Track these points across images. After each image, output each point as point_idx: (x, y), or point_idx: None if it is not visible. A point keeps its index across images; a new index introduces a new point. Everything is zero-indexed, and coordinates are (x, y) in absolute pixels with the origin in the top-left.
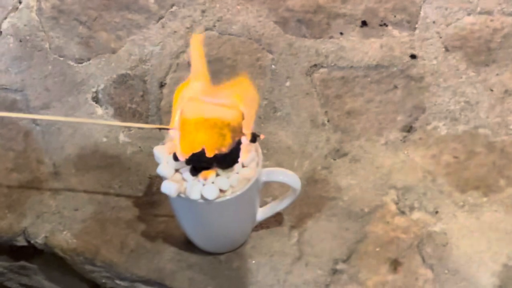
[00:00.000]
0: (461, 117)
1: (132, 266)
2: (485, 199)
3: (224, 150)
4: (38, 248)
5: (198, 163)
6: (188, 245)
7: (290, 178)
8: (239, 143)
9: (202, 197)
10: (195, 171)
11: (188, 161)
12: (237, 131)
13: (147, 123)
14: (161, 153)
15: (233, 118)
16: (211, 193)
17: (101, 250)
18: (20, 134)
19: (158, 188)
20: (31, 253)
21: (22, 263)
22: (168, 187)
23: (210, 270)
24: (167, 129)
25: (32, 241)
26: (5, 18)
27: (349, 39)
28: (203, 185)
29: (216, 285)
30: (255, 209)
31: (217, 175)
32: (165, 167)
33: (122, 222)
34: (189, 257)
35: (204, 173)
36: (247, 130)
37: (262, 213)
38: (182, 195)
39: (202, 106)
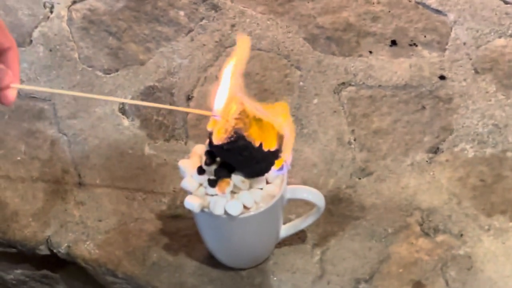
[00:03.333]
0: (489, 140)
1: (153, 279)
2: (511, 223)
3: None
4: (61, 257)
5: (233, 151)
6: (210, 260)
7: (315, 196)
8: (274, 159)
9: (226, 212)
10: (213, 182)
11: (222, 147)
12: (279, 148)
13: (173, 136)
14: (186, 167)
15: (280, 133)
16: (235, 209)
17: (123, 261)
18: (47, 143)
19: (182, 202)
20: (53, 262)
21: (45, 272)
22: (191, 203)
23: (231, 286)
24: (209, 115)
25: (55, 250)
26: (36, 27)
27: (378, 58)
28: (227, 200)
29: None
30: (278, 225)
31: (234, 190)
32: (190, 181)
33: (145, 234)
34: (211, 272)
35: (220, 184)
36: (284, 155)
37: (285, 230)
38: (206, 210)
39: (256, 106)
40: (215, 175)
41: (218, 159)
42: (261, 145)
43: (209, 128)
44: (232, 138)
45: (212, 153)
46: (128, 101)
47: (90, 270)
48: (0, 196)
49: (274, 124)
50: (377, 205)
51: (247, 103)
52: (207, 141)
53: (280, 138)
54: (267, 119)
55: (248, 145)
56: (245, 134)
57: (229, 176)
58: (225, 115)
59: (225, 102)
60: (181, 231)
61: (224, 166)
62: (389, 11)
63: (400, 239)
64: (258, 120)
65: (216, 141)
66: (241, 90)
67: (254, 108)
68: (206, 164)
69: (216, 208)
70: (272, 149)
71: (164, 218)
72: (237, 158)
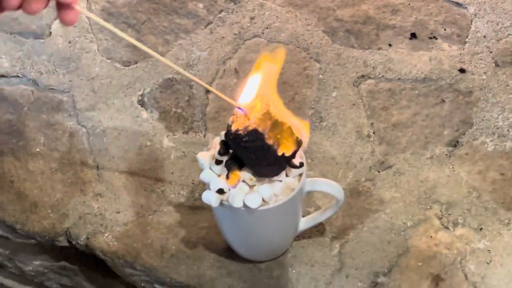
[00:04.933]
0: (509, 134)
1: (171, 271)
2: None
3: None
4: (79, 249)
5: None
6: (228, 252)
7: (334, 188)
8: (285, 164)
9: (245, 205)
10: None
11: (241, 136)
12: (293, 154)
13: (191, 128)
14: (205, 159)
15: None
16: (254, 201)
17: (141, 254)
18: (65, 135)
19: (201, 194)
20: (72, 253)
21: (63, 263)
22: (209, 197)
23: (250, 278)
24: (236, 105)
25: (73, 242)
26: (55, 19)
27: (398, 51)
28: (246, 193)
29: None
30: (297, 218)
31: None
32: (208, 173)
33: (164, 226)
34: (229, 264)
35: (231, 176)
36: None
37: (304, 223)
38: (225, 203)
39: (281, 110)
40: (225, 166)
41: (231, 151)
42: (276, 148)
43: (230, 120)
44: (250, 137)
45: (227, 144)
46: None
47: (109, 262)
48: (20, 187)
49: (295, 129)
50: (396, 198)
51: (273, 105)
52: (225, 131)
53: (298, 144)
54: (289, 123)
55: (264, 147)
56: (265, 135)
57: (239, 169)
58: (250, 112)
59: (252, 99)
60: (199, 223)
61: (236, 159)
62: (409, 4)
63: (419, 232)
64: (279, 124)
65: (235, 135)
66: (272, 93)
67: (279, 111)
68: (219, 153)
69: (235, 201)
70: (287, 154)
71: (182, 210)
72: (251, 156)
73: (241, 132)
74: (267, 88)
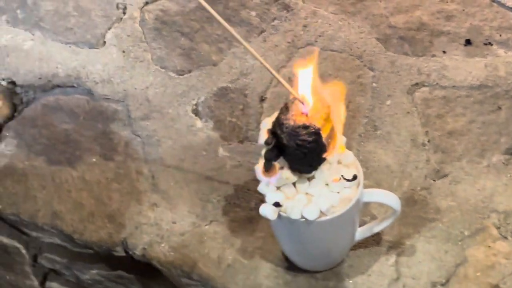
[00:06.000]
0: None
1: (228, 282)
2: None
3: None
4: (136, 259)
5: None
6: (285, 262)
7: (392, 199)
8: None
9: (303, 216)
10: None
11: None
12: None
13: (246, 138)
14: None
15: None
16: (312, 213)
17: (198, 264)
18: (121, 145)
19: (257, 204)
20: (128, 262)
21: (119, 272)
22: (267, 211)
23: None
24: (299, 99)
25: (130, 252)
26: (109, 28)
27: (452, 58)
28: (304, 205)
29: None
30: (354, 229)
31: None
32: (266, 186)
33: (220, 236)
34: (286, 274)
35: (272, 169)
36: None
37: (360, 233)
38: (283, 214)
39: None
40: (265, 156)
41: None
42: (325, 152)
43: (283, 110)
44: (311, 136)
45: (275, 134)
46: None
47: (166, 272)
48: (77, 197)
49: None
50: (453, 207)
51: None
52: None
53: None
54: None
55: (317, 150)
56: (323, 139)
57: (276, 160)
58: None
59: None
60: (255, 233)
61: (277, 150)
62: (463, 10)
63: (477, 242)
64: (332, 129)
65: (292, 129)
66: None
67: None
68: (266, 143)
69: (293, 212)
70: (327, 156)
71: (238, 220)
72: (300, 154)
73: (301, 129)
74: (320, 90)
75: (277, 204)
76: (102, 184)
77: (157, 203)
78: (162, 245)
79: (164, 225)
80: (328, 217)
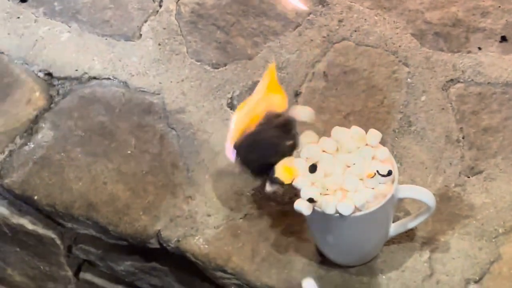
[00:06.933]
0: None
1: (262, 275)
2: None
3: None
4: (170, 251)
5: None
6: (318, 257)
7: (426, 196)
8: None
9: (337, 211)
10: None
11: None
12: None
13: None
14: (299, 165)
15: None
16: (346, 208)
17: (232, 257)
18: (156, 137)
19: (291, 198)
20: (162, 254)
21: (153, 264)
22: (301, 206)
23: (340, 283)
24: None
25: (164, 245)
26: (146, 21)
27: (488, 54)
28: (339, 200)
29: None
30: (388, 224)
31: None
32: (301, 180)
33: (254, 230)
34: (320, 269)
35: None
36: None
37: (394, 229)
38: (317, 209)
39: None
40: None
41: None
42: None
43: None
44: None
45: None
46: None
47: (200, 265)
48: (112, 189)
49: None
50: (487, 204)
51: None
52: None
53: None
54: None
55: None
56: None
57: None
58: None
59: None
60: (290, 227)
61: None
62: (499, 6)
63: (511, 239)
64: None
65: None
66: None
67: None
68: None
69: (328, 207)
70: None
71: (273, 214)
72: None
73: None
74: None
75: (311, 200)
76: (137, 176)
77: (192, 196)
78: (197, 237)
79: (199, 218)
80: (362, 213)
